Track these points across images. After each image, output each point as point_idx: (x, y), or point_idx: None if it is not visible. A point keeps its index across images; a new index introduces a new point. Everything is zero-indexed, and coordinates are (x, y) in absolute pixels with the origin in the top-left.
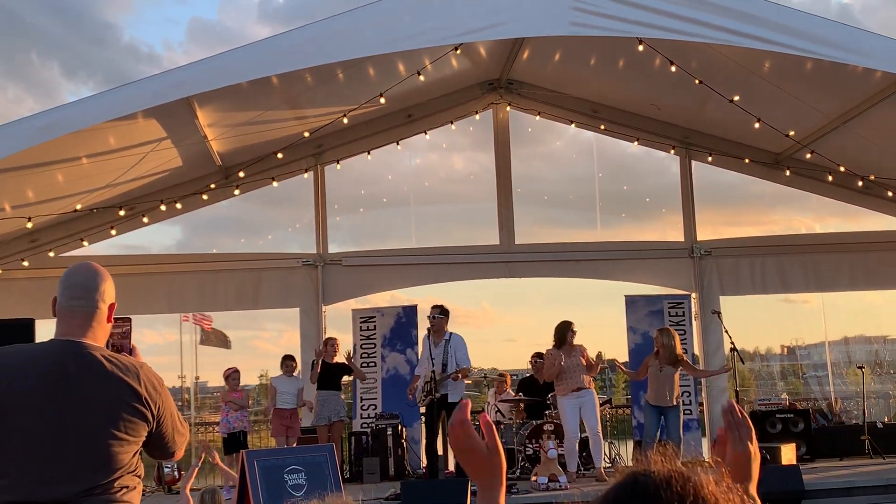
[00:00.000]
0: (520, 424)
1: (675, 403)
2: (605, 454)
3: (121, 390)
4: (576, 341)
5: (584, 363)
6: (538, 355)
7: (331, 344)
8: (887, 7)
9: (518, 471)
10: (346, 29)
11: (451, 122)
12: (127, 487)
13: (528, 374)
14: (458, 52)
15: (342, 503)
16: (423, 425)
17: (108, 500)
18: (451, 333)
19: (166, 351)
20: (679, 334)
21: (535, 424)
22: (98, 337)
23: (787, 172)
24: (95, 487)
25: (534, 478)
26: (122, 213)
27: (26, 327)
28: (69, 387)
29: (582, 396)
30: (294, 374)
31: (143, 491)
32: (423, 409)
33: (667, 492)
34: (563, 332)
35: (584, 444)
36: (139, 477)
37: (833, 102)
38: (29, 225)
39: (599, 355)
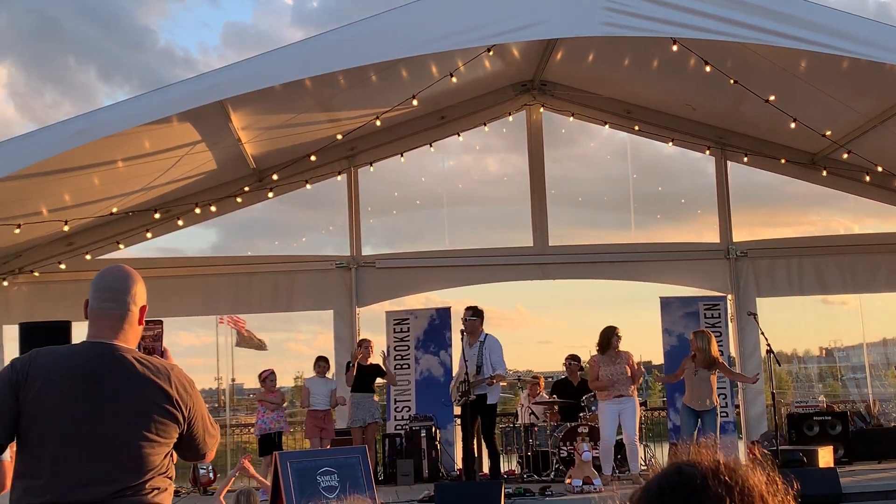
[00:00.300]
0: (554, 427)
1: (711, 406)
2: (641, 457)
3: (152, 392)
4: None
5: (629, 372)
6: (572, 357)
7: (365, 346)
8: None
9: (552, 473)
10: (378, 31)
11: (485, 124)
12: (158, 489)
13: (562, 377)
14: (491, 53)
15: None
16: (459, 427)
17: (139, 501)
18: (486, 335)
19: (202, 353)
20: (715, 336)
21: (570, 427)
22: (129, 339)
23: (824, 172)
24: (127, 489)
25: (568, 480)
26: (157, 216)
27: (63, 329)
28: (101, 389)
29: (623, 403)
30: (327, 374)
31: (178, 492)
32: (457, 411)
33: (714, 481)
34: (608, 336)
35: (618, 446)
36: (170, 478)
37: (870, 102)
38: (66, 228)
39: (639, 367)
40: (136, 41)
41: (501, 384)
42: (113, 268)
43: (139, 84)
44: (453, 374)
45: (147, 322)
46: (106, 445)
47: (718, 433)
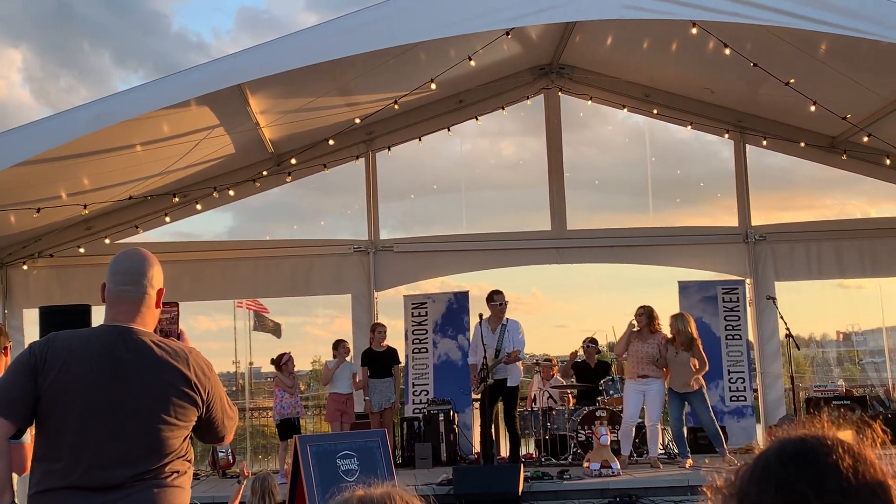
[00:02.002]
0: (572, 410)
1: (695, 388)
2: (660, 442)
3: (171, 375)
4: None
5: (658, 355)
6: (591, 340)
7: (379, 331)
8: None
9: (570, 457)
10: (395, 15)
11: (503, 108)
12: (178, 472)
13: (580, 360)
14: (510, 36)
15: (384, 491)
16: (478, 411)
17: (159, 484)
18: (507, 319)
19: (220, 337)
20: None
21: (588, 410)
22: (147, 322)
23: (844, 156)
24: (147, 472)
25: (586, 464)
26: (175, 200)
27: (82, 313)
28: (120, 372)
29: (648, 384)
30: (346, 358)
31: (198, 475)
32: (476, 396)
33: (841, 451)
34: (647, 316)
35: (637, 429)
36: (190, 461)
37: (891, 85)
38: (85, 212)
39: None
40: (149, 25)
41: (520, 366)
42: (129, 251)
43: (153, 69)
44: (468, 360)
45: (163, 304)
46: (125, 429)
47: (712, 413)
